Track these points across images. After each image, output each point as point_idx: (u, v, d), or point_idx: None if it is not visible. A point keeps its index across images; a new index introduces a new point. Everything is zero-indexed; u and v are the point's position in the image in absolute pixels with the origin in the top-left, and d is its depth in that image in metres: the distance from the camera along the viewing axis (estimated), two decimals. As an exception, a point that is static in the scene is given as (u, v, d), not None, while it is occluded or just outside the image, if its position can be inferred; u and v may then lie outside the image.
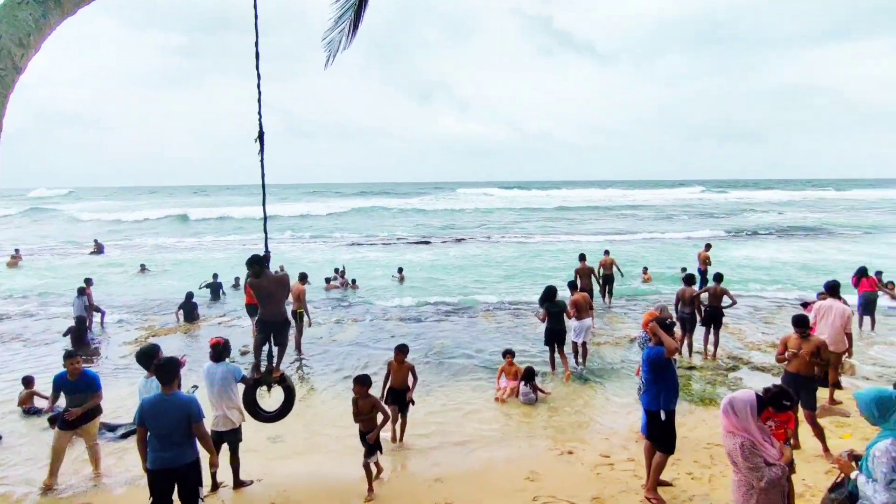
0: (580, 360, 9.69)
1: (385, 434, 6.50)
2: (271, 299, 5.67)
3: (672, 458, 5.56)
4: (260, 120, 5.36)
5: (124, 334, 12.31)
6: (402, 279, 18.24)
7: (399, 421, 6.86)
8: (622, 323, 12.63)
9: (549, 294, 9.34)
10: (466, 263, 22.04)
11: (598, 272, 14.40)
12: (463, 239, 30.91)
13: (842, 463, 3.51)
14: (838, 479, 3.56)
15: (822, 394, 7.39)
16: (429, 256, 24.14)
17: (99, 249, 26.28)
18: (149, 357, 5.37)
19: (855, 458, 3.50)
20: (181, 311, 13.15)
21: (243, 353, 10.40)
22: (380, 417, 5.68)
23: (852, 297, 11.38)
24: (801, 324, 6.34)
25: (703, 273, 14.91)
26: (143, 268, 20.71)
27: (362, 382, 5.67)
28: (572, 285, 10.63)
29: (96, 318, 13.01)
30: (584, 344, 9.65)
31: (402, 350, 6.87)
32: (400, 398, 6.81)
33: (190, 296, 13.40)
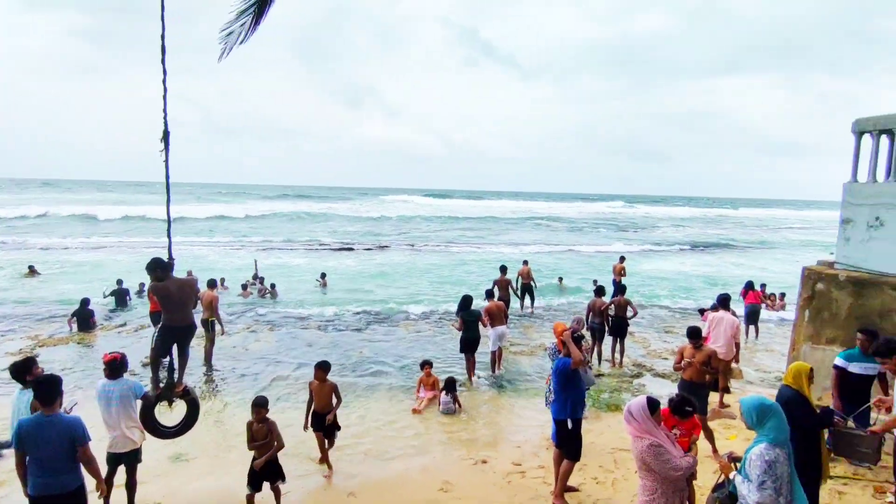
0: (497, 367, 9.93)
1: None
2: (177, 304, 5.29)
3: (579, 464, 5.81)
4: (165, 118, 5.04)
5: (7, 344, 11.08)
6: (324, 285, 17.82)
7: (327, 449, 6.32)
8: (538, 332, 13.05)
9: (465, 303, 9.60)
10: (390, 271, 21.93)
11: (517, 282, 14.88)
12: (387, 246, 30.74)
13: (722, 464, 3.83)
14: (720, 480, 3.88)
15: (714, 398, 8.05)
16: (352, 263, 23.77)
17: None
18: (22, 372, 4.85)
19: (734, 459, 3.83)
20: (75, 320, 12.04)
21: (145, 365, 9.68)
22: (275, 445, 5.27)
23: (742, 307, 12.55)
24: (694, 335, 6.87)
25: (618, 284, 15.78)
26: (31, 270, 18.75)
27: (262, 405, 5.27)
28: (489, 294, 10.88)
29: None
30: (499, 350, 9.96)
31: (322, 367, 6.29)
32: (325, 423, 6.24)
33: (85, 302, 12.32)
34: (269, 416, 5.36)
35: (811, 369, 4.56)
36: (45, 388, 4.02)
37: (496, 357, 9.97)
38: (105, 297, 14.76)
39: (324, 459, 6.29)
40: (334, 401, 6.30)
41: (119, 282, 15.16)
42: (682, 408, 4.59)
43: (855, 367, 5.74)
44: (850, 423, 5.01)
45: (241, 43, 4.71)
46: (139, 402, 5.26)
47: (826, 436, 4.71)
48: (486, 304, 10.10)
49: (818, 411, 4.49)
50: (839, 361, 5.89)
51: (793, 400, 4.30)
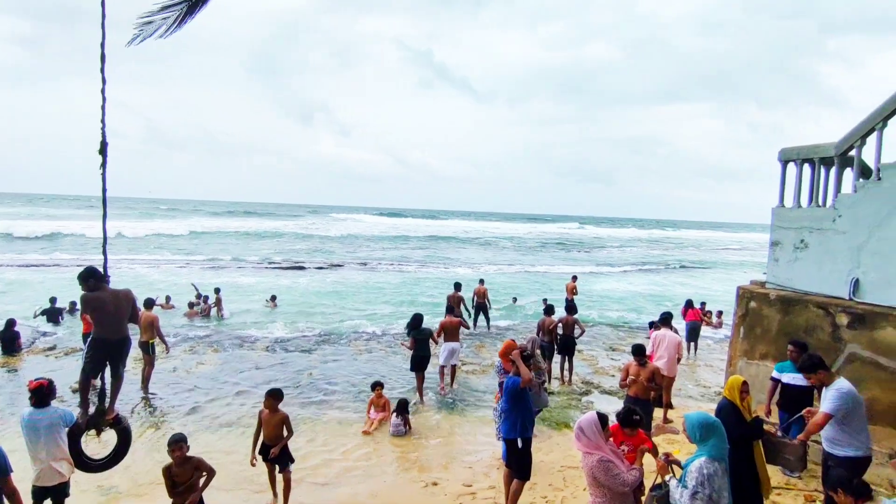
0: (451, 383, 10.00)
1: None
2: (110, 316, 4.93)
3: (529, 483, 5.82)
4: (103, 129, 4.81)
5: (-87, 371, 10.14)
6: (273, 307, 17.32)
7: (282, 484, 5.88)
8: (489, 352, 13.11)
9: (416, 322, 9.71)
10: (342, 290, 21.57)
11: (472, 301, 14.97)
12: (339, 265, 30.29)
13: (660, 465, 3.96)
14: (657, 481, 4.00)
15: (658, 413, 8.29)
16: (303, 282, 23.24)
17: None
18: None
19: (672, 462, 3.97)
20: (-3, 342, 11.16)
21: (76, 391, 9.04)
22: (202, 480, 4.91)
23: (683, 325, 13.07)
24: (638, 352, 7.09)
25: (571, 302, 16.08)
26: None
27: (180, 441, 4.74)
28: (450, 310, 10.98)
29: None
30: (452, 367, 10.04)
31: (273, 395, 5.86)
32: (276, 455, 5.84)
33: (10, 323, 11.47)
34: (193, 452, 4.92)
35: (744, 382, 4.85)
36: None
37: (445, 373, 10.02)
38: (36, 316, 13.86)
39: (274, 491, 5.97)
40: (284, 432, 5.87)
41: (52, 300, 14.25)
42: (629, 417, 4.66)
43: (787, 378, 6.13)
44: (779, 433, 5.29)
45: (160, 37, 4.52)
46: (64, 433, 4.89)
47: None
48: (440, 320, 10.13)
49: (750, 421, 4.75)
50: (774, 373, 6.34)
51: (725, 409, 4.65)
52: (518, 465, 5.49)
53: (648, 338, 10.18)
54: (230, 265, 28.08)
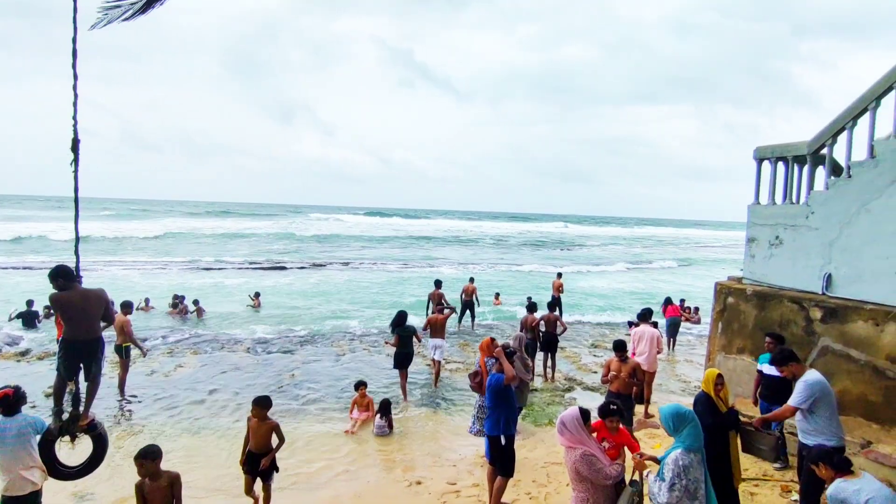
0: (434, 383, 10.15)
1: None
2: (80, 315, 4.77)
3: (513, 480, 5.85)
4: (75, 126, 4.68)
5: None
6: (257, 305, 17.11)
7: (262, 495, 5.67)
8: (474, 350, 13.13)
9: (400, 319, 9.75)
10: (324, 290, 21.41)
11: (461, 298, 15.03)
12: (321, 265, 30.06)
13: (636, 462, 4.03)
14: (634, 476, 4.06)
15: (639, 409, 8.39)
16: (285, 282, 23.02)
17: None
18: None
19: (649, 458, 4.03)
20: (-34, 348, 10.85)
21: (49, 396, 8.83)
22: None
23: (663, 321, 13.25)
24: (620, 348, 7.17)
25: (558, 299, 16.22)
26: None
27: (152, 455, 4.27)
28: (437, 306, 11.07)
29: None
30: (438, 362, 10.31)
31: (261, 404, 5.56)
32: (259, 464, 5.59)
33: (-20, 328, 11.15)
34: (165, 467, 4.48)
35: (719, 374, 5.05)
36: None
37: (435, 366, 10.34)
38: (11, 319, 13.53)
39: (253, 497, 5.74)
40: (275, 441, 5.59)
41: (29, 303, 13.91)
42: (606, 408, 4.69)
43: (767, 369, 6.30)
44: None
45: (124, 20, 4.43)
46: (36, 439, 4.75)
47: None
48: (419, 321, 10.16)
49: (726, 412, 4.91)
50: (759, 365, 6.55)
51: (700, 401, 4.89)
52: (501, 461, 5.51)
53: (629, 335, 10.31)
54: (211, 265, 27.66)
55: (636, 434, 7.18)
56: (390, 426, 8.00)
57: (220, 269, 26.75)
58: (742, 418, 5.36)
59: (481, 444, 7.21)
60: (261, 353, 12.13)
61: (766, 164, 7.84)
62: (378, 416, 8.00)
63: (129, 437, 7.71)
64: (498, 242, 52.73)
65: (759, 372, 6.63)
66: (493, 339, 6.47)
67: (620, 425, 4.71)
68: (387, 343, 10.58)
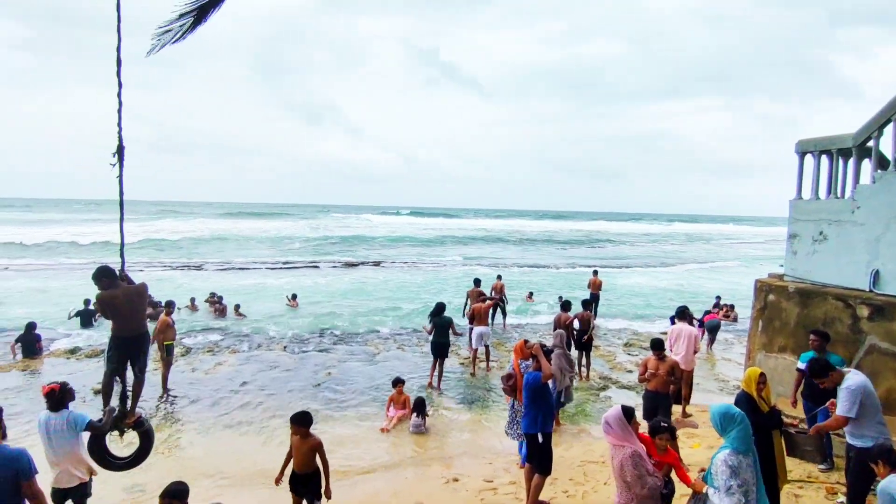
0: (486, 367, 11.00)
1: None
2: (125, 313, 4.98)
3: (550, 478, 5.84)
4: (120, 132, 4.89)
5: (-58, 374, 10.37)
6: (294, 305, 17.49)
7: None
8: (508, 349, 13.12)
9: (438, 309, 10.21)
10: (358, 289, 21.69)
11: (490, 295, 14.99)
12: (354, 264, 30.45)
13: (697, 485, 3.88)
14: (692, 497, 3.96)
15: (677, 408, 8.26)
16: (320, 281, 23.41)
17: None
18: None
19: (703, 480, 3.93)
20: (19, 345, 11.40)
21: (97, 392, 9.21)
22: None
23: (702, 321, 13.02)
24: (657, 346, 7.09)
25: (595, 297, 16.11)
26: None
27: (181, 496, 3.90)
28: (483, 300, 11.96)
29: None
30: (486, 348, 11.03)
31: (299, 421, 5.05)
32: (306, 487, 5.07)
33: (31, 326, 11.69)
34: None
35: (761, 374, 4.94)
36: None
37: (477, 356, 10.98)
38: (70, 317, 14.20)
39: None
40: (319, 462, 5.09)
41: (86, 302, 14.52)
42: (658, 426, 4.47)
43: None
44: (803, 425, 5.28)
45: (175, 42, 4.65)
46: (86, 434, 4.97)
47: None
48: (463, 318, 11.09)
49: (768, 411, 4.81)
50: (799, 364, 6.34)
51: (741, 400, 4.79)
52: (539, 459, 5.52)
53: (666, 333, 10.16)
54: (245, 265, 28.33)
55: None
56: (425, 422, 8.09)
57: (254, 269, 27.39)
58: (785, 419, 5.25)
59: (516, 444, 7.23)
60: (297, 352, 12.39)
61: (808, 158, 7.63)
62: (414, 414, 8.10)
63: (171, 432, 8.00)
64: (528, 240, 52.39)
65: (800, 371, 6.43)
66: (526, 341, 6.48)
67: (669, 446, 4.43)
68: (424, 328, 10.94)
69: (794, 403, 6.48)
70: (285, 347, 12.72)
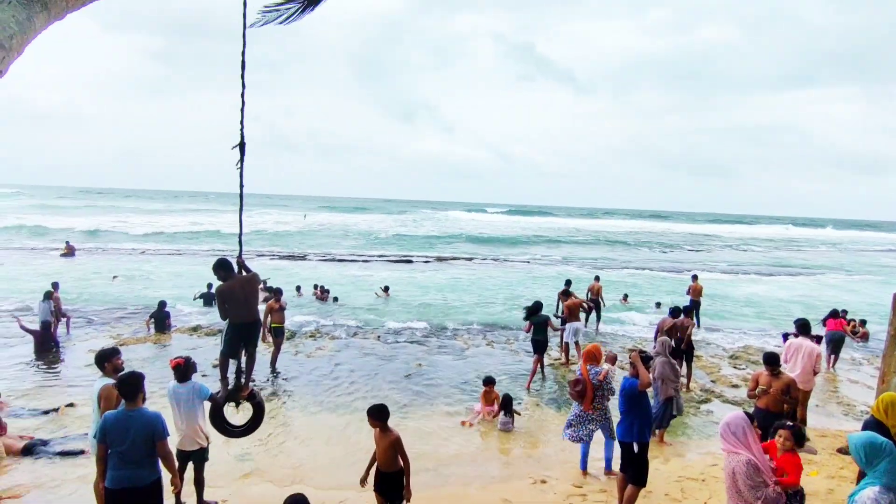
0: (574, 359, 11.09)
1: None
2: (241, 301, 5.40)
3: (644, 491, 5.56)
4: (242, 129, 5.30)
5: (91, 342, 11.95)
6: (387, 296, 18.16)
7: None
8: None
9: (535, 308, 10.39)
10: (450, 284, 22.01)
11: (587, 297, 14.61)
12: (446, 259, 30.92)
13: None
14: None
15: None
16: (412, 275, 24.07)
17: (70, 252, 25.63)
18: (103, 359, 5.09)
19: None
20: (152, 321, 12.84)
21: (215, 366, 10.15)
22: None
23: (823, 333, 11.69)
24: (771, 361, 6.46)
25: (696, 304, 15.13)
26: (115, 278, 20.18)
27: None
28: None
29: (62, 324, 12.60)
30: (576, 343, 11.26)
31: (373, 414, 4.81)
32: (390, 487, 4.79)
33: (162, 304, 13.11)
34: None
35: None
36: (128, 385, 4.22)
37: (568, 349, 11.45)
38: (195, 299, 15.88)
39: None
40: (399, 460, 4.78)
41: (209, 285, 16.08)
42: (783, 424, 4.19)
43: None
44: None
45: (281, 23, 4.83)
46: (207, 404, 5.51)
47: None
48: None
49: None
50: None
51: (869, 427, 4.13)
52: (634, 470, 5.27)
53: (778, 346, 9.25)
54: (344, 257, 29.79)
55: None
56: (513, 420, 8.02)
57: (352, 260, 28.72)
58: None
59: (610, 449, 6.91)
60: (391, 342, 12.83)
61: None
62: (502, 412, 8.05)
63: (278, 406, 8.60)
64: (623, 241, 50.14)
65: None
66: (598, 347, 6.25)
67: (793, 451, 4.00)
68: (524, 329, 10.90)
69: None
70: (379, 337, 13.20)
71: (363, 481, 4.91)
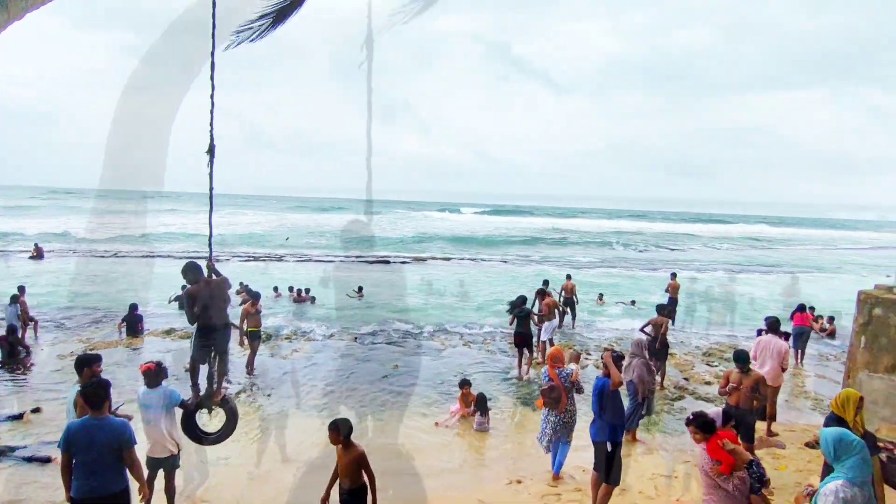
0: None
1: None
2: (210, 304, 5.32)
3: (617, 489, 5.63)
4: (212, 132, 5.21)
5: (59, 346, 11.64)
6: (360, 297, 18.05)
7: None
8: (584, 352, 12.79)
9: (519, 302, 10.82)
10: (426, 285, 21.95)
11: (559, 296, 14.70)
12: (424, 259, 30.87)
13: (798, 498, 3.61)
14: None
15: (761, 426, 7.69)
16: (388, 276, 23.98)
17: (39, 254, 24.92)
18: (82, 365, 4.97)
19: (812, 494, 3.62)
20: (124, 324, 12.55)
21: (187, 370, 9.95)
22: None
23: (790, 328, 11.99)
24: (741, 359, 6.61)
25: (675, 302, 15.38)
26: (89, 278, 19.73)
27: None
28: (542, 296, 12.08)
29: (29, 328, 12.23)
30: (550, 340, 11.47)
31: (333, 429, 4.63)
32: (355, 501, 4.61)
33: (134, 307, 12.82)
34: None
35: (860, 398, 4.48)
36: (93, 393, 4.11)
37: (545, 347, 11.34)
38: (170, 302, 15.49)
39: None
40: (363, 476, 4.61)
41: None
42: (704, 423, 4.09)
43: None
44: None
45: (252, 40, 4.91)
46: (179, 411, 5.39)
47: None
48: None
49: (861, 437, 4.34)
50: None
51: (830, 423, 4.33)
52: (608, 469, 5.33)
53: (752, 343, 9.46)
54: (321, 258, 29.48)
55: (757, 453, 6.61)
56: (488, 421, 8.05)
57: (329, 261, 28.46)
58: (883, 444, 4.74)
59: (581, 448, 6.98)
60: (367, 343, 12.76)
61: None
62: (478, 412, 8.07)
63: (255, 411, 8.49)
64: (601, 241, 50.72)
65: None
66: (560, 349, 6.33)
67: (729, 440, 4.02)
68: (510, 323, 11.19)
69: None
70: (356, 338, 13.13)
71: (324, 501, 4.64)
